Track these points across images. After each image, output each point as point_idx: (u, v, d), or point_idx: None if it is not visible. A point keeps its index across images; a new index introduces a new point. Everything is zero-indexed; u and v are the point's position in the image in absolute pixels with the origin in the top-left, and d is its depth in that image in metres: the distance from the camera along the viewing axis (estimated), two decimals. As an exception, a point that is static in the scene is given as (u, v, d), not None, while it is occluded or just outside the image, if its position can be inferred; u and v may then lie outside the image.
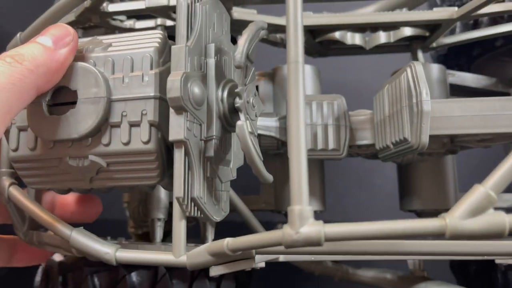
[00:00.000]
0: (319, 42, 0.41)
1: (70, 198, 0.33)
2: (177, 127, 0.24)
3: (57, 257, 0.38)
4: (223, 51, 0.27)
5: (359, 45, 0.41)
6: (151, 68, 0.25)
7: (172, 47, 0.24)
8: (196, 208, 0.25)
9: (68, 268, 0.36)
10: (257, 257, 0.25)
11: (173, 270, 0.35)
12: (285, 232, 0.19)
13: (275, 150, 0.36)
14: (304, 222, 0.19)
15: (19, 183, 0.30)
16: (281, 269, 0.51)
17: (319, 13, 0.38)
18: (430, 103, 0.27)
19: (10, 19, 0.50)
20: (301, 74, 0.20)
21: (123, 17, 0.36)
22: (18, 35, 0.30)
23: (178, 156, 0.24)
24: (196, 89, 0.24)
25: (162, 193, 0.34)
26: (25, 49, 0.24)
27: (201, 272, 0.36)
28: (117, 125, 0.25)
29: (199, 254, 0.24)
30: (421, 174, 0.38)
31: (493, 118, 0.31)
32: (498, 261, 0.29)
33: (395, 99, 0.30)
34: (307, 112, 0.34)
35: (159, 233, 0.33)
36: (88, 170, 0.26)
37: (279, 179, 0.38)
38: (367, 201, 0.52)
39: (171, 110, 0.24)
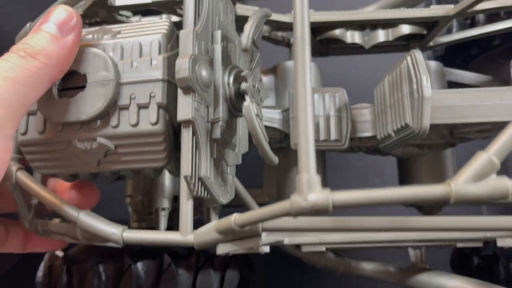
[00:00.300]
0: (320, 41, 0.42)
1: (69, 185, 0.33)
2: (185, 107, 0.24)
3: (59, 254, 0.38)
4: (229, 39, 0.28)
5: (358, 44, 0.42)
6: (159, 53, 0.26)
7: (180, 31, 0.25)
8: (203, 188, 0.25)
9: (73, 260, 0.36)
10: (263, 238, 0.26)
11: (179, 260, 0.35)
12: (293, 200, 0.20)
13: (278, 144, 0.37)
14: (312, 189, 0.19)
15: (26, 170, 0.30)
16: (283, 268, 0.51)
17: (320, 11, 0.39)
18: (430, 88, 0.28)
19: (10, 19, 0.51)
20: (308, 50, 0.21)
21: (129, 14, 0.37)
22: (28, 25, 0.31)
23: (186, 135, 0.24)
24: (203, 72, 0.25)
25: (167, 182, 0.34)
26: (34, 41, 0.24)
27: (206, 262, 0.36)
28: (126, 108, 0.26)
29: (206, 232, 0.24)
30: (421, 167, 0.39)
31: (492, 108, 0.32)
32: (500, 244, 0.29)
33: (396, 87, 0.31)
34: (309, 104, 0.35)
35: (163, 222, 0.34)
36: (96, 153, 0.26)
37: (282, 173, 0.38)
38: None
39: (179, 91, 0.24)
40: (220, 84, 0.26)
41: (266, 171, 0.39)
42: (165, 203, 0.34)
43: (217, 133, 0.26)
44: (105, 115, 0.26)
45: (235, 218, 0.23)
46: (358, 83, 0.42)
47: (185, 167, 0.24)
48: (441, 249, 0.40)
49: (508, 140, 0.19)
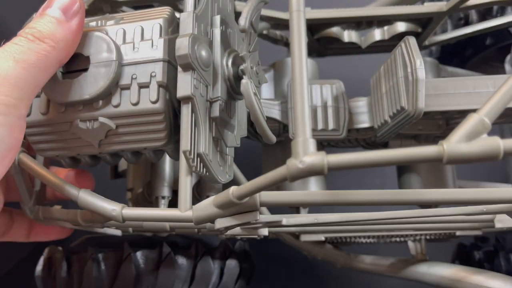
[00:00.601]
0: (317, 40, 0.43)
1: (65, 172, 0.34)
2: (184, 84, 0.25)
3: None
4: (228, 25, 0.29)
5: (355, 43, 0.43)
6: (161, 36, 0.27)
7: (181, 14, 0.26)
8: (202, 165, 0.25)
9: (72, 251, 0.36)
10: (261, 217, 0.26)
11: (178, 250, 0.35)
12: (289, 164, 0.20)
13: (277, 137, 0.37)
14: (307, 151, 0.20)
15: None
16: (281, 266, 0.50)
17: (316, 9, 0.40)
18: (424, 70, 0.29)
19: (10, 19, 0.51)
20: (303, 21, 0.22)
21: (131, 11, 0.38)
22: (33, 15, 0.32)
23: (185, 112, 0.25)
24: (203, 51, 0.25)
25: (168, 170, 0.35)
26: (41, 25, 0.25)
27: (206, 253, 0.36)
28: (127, 87, 0.26)
29: (205, 207, 0.24)
30: (421, 164, 0.39)
31: (486, 95, 0.32)
32: (498, 225, 0.29)
33: (391, 73, 0.31)
34: (307, 94, 0.35)
35: (163, 210, 0.34)
36: (97, 133, 0.27)
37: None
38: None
39: (179, 69, 0.25)
40: (219, 65, 0.27)
41: (265, 165, 0.40)
42: (165, 192, 0.34)
43: (216, 112, 0.26)
44: (107, 95, 0.26)
45: (233, 190, 0.23)
46: (355, 80, 0.43)
47: (185, 142, 0.25)
48: (441, 243, 0.40)
49: (498, 102, 0.20)
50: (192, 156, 0.25)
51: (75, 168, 0.31)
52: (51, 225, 0.32)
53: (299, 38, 0.20)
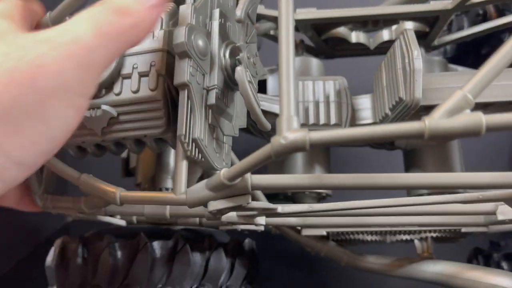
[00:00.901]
0: (325, 41, 0.44)
1: None
2: (181, 72, 0.26)
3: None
4: (228, 18, 0.30)
5: (363, 44, 0.43)
6: (161, 28, 0.28)
7: (181, 6, 0.27)
8: (197, 150, 0.26)
9: (87, 240, 0.37)
10: (254, 203, 0.26)
11: (192, 242, 0.36)
12: (273, 141, 0.20)
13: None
14: (290, 128, 0.20)
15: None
16: (285, 265, 0.50)
17: (321, 10, 0.41)
18: (421, 61, 0.29)
19: None
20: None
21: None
22: (47, 14, 0.34)
23: (182, 98, 0.26)
24: (200, 41, 0.26)
25: (171, 165, 0.36)
26: (133, 4, 0.22)
27: (219, 247, 0.37)
28: (128, 76, 0.27)
29: (198, 190, 0.25)
30: (427, 158, 0.39)
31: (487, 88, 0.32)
32: (500, 217, 0.28)
33: (391, 66, 0.32)
34: (309, 89, 0.36)
35: (166, 201, 0.34)
36: (100, 120, 0.28)
37: (278, 164, 0.39)
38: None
39: (177, 58, 0.26)
40: (217, 56, 0.28)
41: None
42: (169, 183, 0.35)
43: (212, 99, 0.27)
44: (109, 85, 0.28)
45: (224, 171, 0.24)
46: (360, 81, 0.43)
47: (180, 127, 0.25)
48: (452, 244, 0.39)
49: (483, 78, 0.20)
50: (187, 140, 0.25)
51: (83, 158, 0.32)
52: (59, 212, 0.33)
53: (286, 11, 0.21)
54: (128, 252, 0.35)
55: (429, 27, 0.41)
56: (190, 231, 0.39)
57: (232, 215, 0.29)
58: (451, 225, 0.32)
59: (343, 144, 0.20)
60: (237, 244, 0.39)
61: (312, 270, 0.49)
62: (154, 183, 0.37)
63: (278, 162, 0.38)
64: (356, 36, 0.43)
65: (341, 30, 0.42)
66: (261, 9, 0.39)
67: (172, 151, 0.37)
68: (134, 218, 0.34)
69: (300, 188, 0.26)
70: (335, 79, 0.36)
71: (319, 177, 0.23)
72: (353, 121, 0.36)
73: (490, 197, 0.24)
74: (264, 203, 0.27)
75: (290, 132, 0.20)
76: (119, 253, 0.35)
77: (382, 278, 0.45)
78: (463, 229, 0.33)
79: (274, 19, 0.40)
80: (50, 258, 0.40)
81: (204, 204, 0.25)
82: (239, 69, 0.26)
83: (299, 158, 0.38)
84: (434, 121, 0.19)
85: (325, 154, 0.40)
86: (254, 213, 0.29)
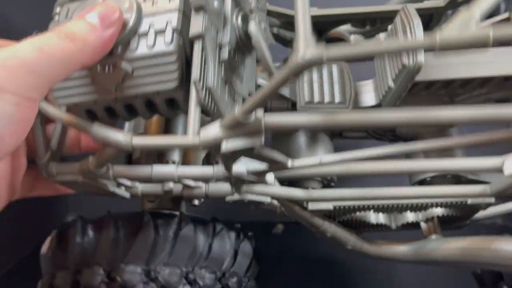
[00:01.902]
0: (326, 42, 0.46)
1: None
2: (197, 23, 0.27)
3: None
4: (239, -9, 0.32)
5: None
6: None
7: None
8: (210, 98, 0.27)
9: (89, 220, 0.36)
10: (266, 150, 0.26)
11: (196, 223, 0.35)
12: (290, 60, 0.21)
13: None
14: (308, 45, 0.21)
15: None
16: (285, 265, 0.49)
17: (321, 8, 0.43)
18: (422, 28, 0.30)
19: (10, 20, 0.54)
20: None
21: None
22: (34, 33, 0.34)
23: (197, 48, 0.27)
24: (215, 1, 0.28)
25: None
26: (76, 27, 0.26)
27: (222, 230, 0.36)
28: (145, 34, 0.29)
29: (211, 130, 0.25)
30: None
31: (487, 64, 0.34)
32: (507, 172, 0.28)
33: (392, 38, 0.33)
34: (314, 70, 0.37)
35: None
36: (115, 77, 0.29)
37: (286, 145, 0.39)
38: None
39: (193, 12, 0.28)
40: (229, 18, 0.29)
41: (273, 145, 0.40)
42: (176, 156, 0.35)
43: (225, 55, 0.28)
44: (126, 42, 0.29)
45: (238, 108, 0.24)
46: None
47: (195, 73, 0.26)
48: (454, 229, 0.38)
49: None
50: (201, 86, 0.26)
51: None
52: (63, 182, 0.33)
53: None
54: (131, 228, 0.34)
55: (425, 26, 0.43)
56: (195, 217, 0.38)
57: (242, 170, 0.29)
58: (457, 196, 0.32)
59: (359, 57, 0.21)
60: (241, 231, 0.39)
61: (313, 270, 0.47)
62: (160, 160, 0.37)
63: (283, 144, 0.39)
64: (355, 39, 0.45)
65: (341, 31, 0.44)
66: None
67: (179, 131, 0.37)
68: (139, 189, 0.33)
69: (312, 126, 0.26)
70: (338, 64, 0.38)
71: (332, 114, 0.23)
72: (357, 104, 0.37)
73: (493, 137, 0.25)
74: (274, 152, 0.27)
75: (307, 49, 0.21)
76: (122, 229, 0.34)
77: (385, 278, 0.44)
78: (469, 201, 0.33)
79: (278, 15, 0.42)
80: (45, 247, 0.39)
81: (217, 145, 0.25)
82: (252, 22, 0.27)
83: (302, 141, 0.38)
84: (445, 34, 0.20)
85: (329, 141, 0.41)
86: (264, 168, 0.29)
